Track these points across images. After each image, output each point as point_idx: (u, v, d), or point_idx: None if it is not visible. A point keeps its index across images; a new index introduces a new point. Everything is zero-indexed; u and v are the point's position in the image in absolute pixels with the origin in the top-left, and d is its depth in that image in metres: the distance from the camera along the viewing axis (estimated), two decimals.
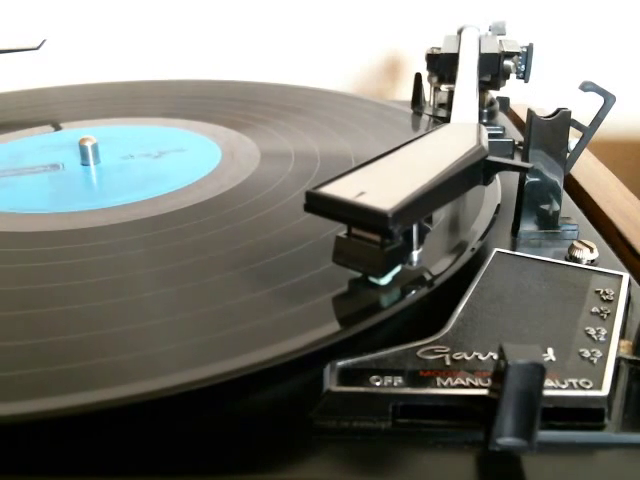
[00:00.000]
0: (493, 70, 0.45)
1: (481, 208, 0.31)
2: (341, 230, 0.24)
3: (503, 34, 0.50)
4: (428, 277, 0.25)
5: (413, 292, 0.24)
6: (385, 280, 0.24)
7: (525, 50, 0.46)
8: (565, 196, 0.35)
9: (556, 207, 0.32)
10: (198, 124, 0.47)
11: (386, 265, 0.23)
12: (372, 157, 0.27)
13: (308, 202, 0.24)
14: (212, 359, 0.21)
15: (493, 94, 0.49)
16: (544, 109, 0.32)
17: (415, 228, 0.24)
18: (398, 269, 0.24)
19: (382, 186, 0.24)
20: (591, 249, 0.29)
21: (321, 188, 0.24)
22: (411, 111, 0.49)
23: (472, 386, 0.20)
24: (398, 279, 0.24)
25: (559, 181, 0.31)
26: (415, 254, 0.25)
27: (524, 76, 0.47)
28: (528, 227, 0.32)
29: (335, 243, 0.24)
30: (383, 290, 0.24)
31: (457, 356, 0.22)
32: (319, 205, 0.24)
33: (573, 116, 0.30)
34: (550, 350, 0.22)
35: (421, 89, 0.49)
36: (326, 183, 0.24)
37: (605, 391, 0.20)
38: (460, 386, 0.20)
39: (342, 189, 0.23)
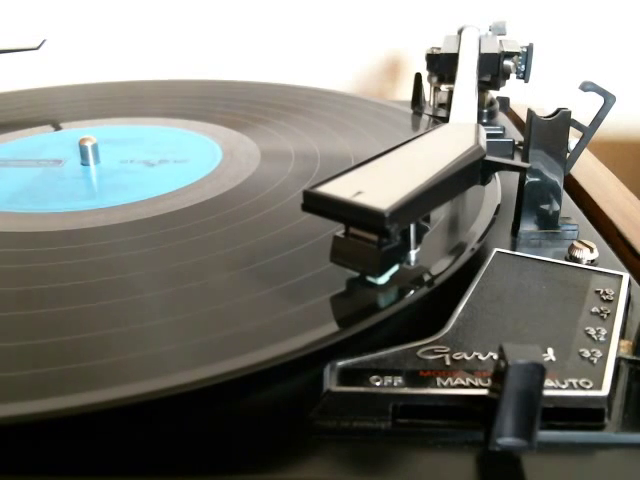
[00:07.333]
0: (493, 70, 0.45)
1: (481, 208, 0.31)
2: (340, 230, 0.24)
3: (503, 34, 0.50)
4: (427, 277, 0.25)
5: (411, 292, 0.24)
6: (382, 279, 0.24)
7: (525, 50, 0.46)
8: (565, 196, 0.35)
9: (556, 207, 0.32)
10: (198, 124, 0.47)
11: (383, 264, 0.23)
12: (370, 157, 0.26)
13: (305, 201, 0.24)
14: (212, 359, 0.21)
15: (493, 94, 0.49)
16: (544, 109, 0.32)
17: (413, 227, 0.24)
18: (396, 269, 0.24)
19: (379, 185, 0.24)
20: (591, 249, 0.29)
21: (318, 187, 0.23)
22: (411, 111, 0.49)
23: (472, 386, 0.20)
24: (396, 279, 0.24)
25: (559, 181, 0.31)
26: (413, 254, 0.25)
27: (524, 76, 0.47)
28: (528, 227, 0.32)
29: (333, 242, 0.24)
30: (381, 290, 0.24)
31: (457, 356, 0.22)
32: (316, 204, 0.23)
33: (573, 116, 0.30)
34: (550, 350, 0.22)
35: (421, 89, 0.49)
36: (323, 182, 0.24)
37: (605, 391, 0.20)
38: (460, 386, 0.20)
39: (339, 188, 0.23)
